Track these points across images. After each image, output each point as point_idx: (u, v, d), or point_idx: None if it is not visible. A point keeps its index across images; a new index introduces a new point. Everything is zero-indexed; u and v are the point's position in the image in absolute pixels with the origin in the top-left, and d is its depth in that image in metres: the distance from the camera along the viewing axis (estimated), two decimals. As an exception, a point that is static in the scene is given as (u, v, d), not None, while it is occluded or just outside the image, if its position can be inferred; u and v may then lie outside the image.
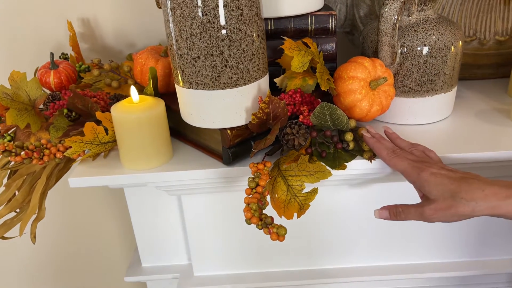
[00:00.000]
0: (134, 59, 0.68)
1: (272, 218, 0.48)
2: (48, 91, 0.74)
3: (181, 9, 0.48)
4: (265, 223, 0.48)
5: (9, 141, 0.70)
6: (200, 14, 0.48)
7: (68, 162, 0.66)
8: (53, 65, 0.70)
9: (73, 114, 0.66)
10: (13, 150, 0.57)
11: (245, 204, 0.49)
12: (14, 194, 0.70)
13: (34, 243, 0.62)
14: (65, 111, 0.65)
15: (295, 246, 0.68)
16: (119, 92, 0.71)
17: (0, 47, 0.86)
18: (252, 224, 0.48)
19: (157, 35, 0.86)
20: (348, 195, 0.62)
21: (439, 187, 0.45)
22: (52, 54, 0.70)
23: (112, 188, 0.65)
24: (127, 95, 0.68)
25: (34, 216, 0.64)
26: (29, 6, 0.83)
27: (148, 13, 0.84)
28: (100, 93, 0.68)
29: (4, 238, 0.67)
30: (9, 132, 0.71)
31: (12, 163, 0.69)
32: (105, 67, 0.70)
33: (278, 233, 0.46)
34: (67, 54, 0.77)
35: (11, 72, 0.66)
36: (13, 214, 0.69)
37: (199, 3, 0.47)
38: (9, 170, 0.69)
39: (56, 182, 0.64)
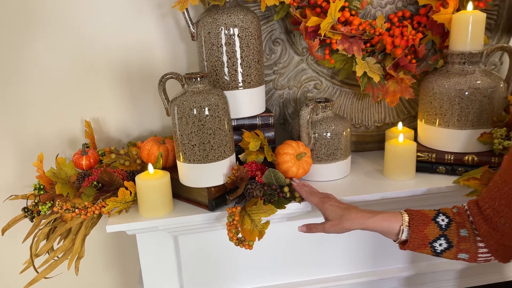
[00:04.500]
0: (142, 146, 1.01)
1: (245, 237, 0.81)
2: (79, 170, 1.03)
3: (186, 118, 0.84)
4: (240, 240, 0.80)
5: (50, 207, 0.97)
6: (197, 121, 0.83)
7: (98, 218, 0.95)
8: (84, 152, 1.01)
9: (99, 185, 0.96)
10: (71, 209, 0.86)
11: (228, 230, 0.81)
12: (52, 247, 0.96)
13: (77, 275, 0.89)
14: (95, 183, 0.95)
15: (258, 265, 0.99)
16: (130, 169, 1.02)
17: (31, 138, 1.15)
18: (232, 243, 0.80)
19: (148, 127, 1.20)
20: (285, 225, 0.96)
21: (334, 212, 0.81)
22: (83, 145, 1.02)
23: (113, 238, 0.93)
24: (137, 170, 1.00)
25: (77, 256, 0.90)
26: (54, 109, 1.14)
27: (142, 111, 1.18)
28: (117, 170, 0.99)
29: (46, 277, 0.93)
30: (46, 201, 0.99)
31: (53, 221, 0.97)
32: (121, 152, 1.03)
33: (249, 244, 0.79)
34: (88, 144, 1.09)
35: (57, 158, 0.96)
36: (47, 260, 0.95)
37: (196, 115, 0.83)
38: (49, 227, 0.96)
39: (90, 231, 0.92)
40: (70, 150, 1.17)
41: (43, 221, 1.00)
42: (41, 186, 0.99)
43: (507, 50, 0.98)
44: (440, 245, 0.78)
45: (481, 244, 0.77)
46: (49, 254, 0.95)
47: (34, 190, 0.98)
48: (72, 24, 1.08)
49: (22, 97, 1.12)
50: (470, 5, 0.97)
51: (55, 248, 0.96)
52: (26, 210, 0.99)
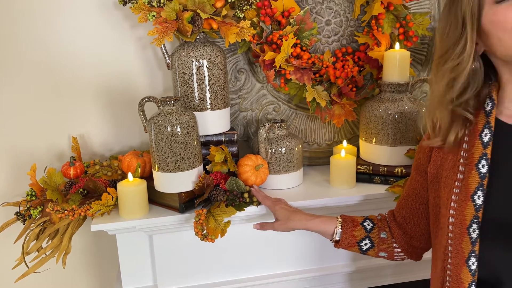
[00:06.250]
0: (122, 158, 1.16)
1: (208, 233, 0.97)
2: (67, 179, 1.18)
3: (161, 134, 1.01)
4: (204, 235, 0.97)
5: (40, 211, 1.11)
6: (170, 136, 1.01)
7: (83, 220, 1.09)
8: (72, 163, 1.16)
9: (85, 191, 1.11)
10: (61, 210, 1.00)
11: (194, 227, 0.97)
12: (41, 246, 1.10)
13: (64, 268, 1.03)
14: (81, 190, 1.10)
15: (221, 262, 1.15)
16: (111, 178, 1.17)
17: (22, 153, 1.29)
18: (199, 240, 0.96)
19: (129, 143, 1.36)
20: (245, 226, 1.13)
21: (282, 214, 0.99)
22: (71, 157, 1.17)
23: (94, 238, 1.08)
24: (118, 179, 1.16)
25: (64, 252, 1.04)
26: (44, 127, 1.29)
27: (123, 129, 1.34)
28: (101, 179, 1.14)
29: (36, 272, 1.06)
30: (36, 206, 1.13)
31: (42, 223, 1.11)
32: (104, 164, 1.18)
33: (211, 238, 0.95)
34: (75, 157, 1.24)
35: (48, 168, 1.11)
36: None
37: (170, 131, 1.00)
38: (39, 228, 1.10)
39: (76, 231, 1.07)
40: (57, 163, 1.31)
41: (31, 224, 1.14)
42: (33, 193, 1.13)
43: (428, 82, 1.20)
44: (365, 244, 0.95)
45: (396, 245, 0.95)
46: (38, 252, 1.09)
47: (26, 196, 1.12)
48: (63, 51, 1.25)
49: (15, 117, 1.27)
50: (397, 45, 1.19)
51: (43, 247, 1.10)
52: (18, 214, 1.13)
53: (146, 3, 1.04)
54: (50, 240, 1.10)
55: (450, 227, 0.76)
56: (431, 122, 0.81)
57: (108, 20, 1.24)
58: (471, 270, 0.73)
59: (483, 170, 0.73)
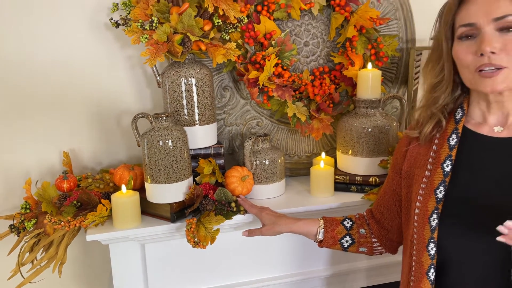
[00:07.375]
0: (114, 171, 1.22)
1: (200, 240, 1.04)
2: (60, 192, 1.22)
3: (153, 148, 1.08)
4: (196, 242, 1.03)
5: (34, 223, 1.16)
6: (163, 150, 1.08)
7: (77, 231, 1.14)
8: (65, 177, 1.21)
9: (78, 204, 1.16)
10: (57, 222, 1.05)
11: (186, 235, 1.04)
12: (36, 257, 1.14)
13: (60, 277, 1.07)
14: (75, 202, 1.15)
15: (211, 269, 1.21)
16: (104, 190, 1.23)
17: (13, 167, 1.33)
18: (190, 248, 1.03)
19: (117, 157, 1.41)
20: (233, 233, 1.20)
21: (268, 219, 1.06)
22: (64, 171, 1.22)
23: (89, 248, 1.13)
24: (110, 192, 1.21)
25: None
26: (36, 142, 1.34)
27: (112, 143, 1.40)
28: (94, 191, 1.20)
29: (31, 282, 1.10)
30: (31, 218, 1.17)
31: (37, 235, 1.15)
32: (97, 176, 1.23)
33: (203, 245, 1.02)
34: (67, 171, 1.28)
35: (42, 182, 1.16)
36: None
37: (162, 145, 1.07)
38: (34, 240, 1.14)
39: (71, 241, 1.12)
40: (48, 177, 1.35)
41: (25, 236, 1.17)
42: (28, 206, 1.17)
43: (397, 98, 1.31)
44: (346, 241, 1.05)
45: (374, 240, 1.05)
46: (32, 264, 1.13)
47: (21, 209, 1.16)
48: (54, 69, 1.30)
49: (6, 133, 1.31)
50: (369, 65, 1.30)
51: (37, 258, 1.14)
52: (12, 227, 1.16)
53: (139, 26, 1.12)
54: (45, 252, 1.14)
55: (415, 217, 0.86)
56: (416, 117, 0.94)
57: (99, 40, 1.31)
58: (430, 255, 0.83)
59: (447, 169, 0.84)
